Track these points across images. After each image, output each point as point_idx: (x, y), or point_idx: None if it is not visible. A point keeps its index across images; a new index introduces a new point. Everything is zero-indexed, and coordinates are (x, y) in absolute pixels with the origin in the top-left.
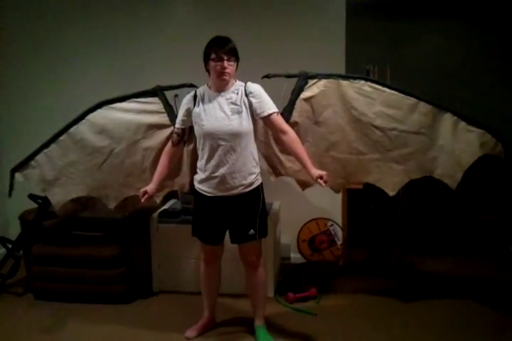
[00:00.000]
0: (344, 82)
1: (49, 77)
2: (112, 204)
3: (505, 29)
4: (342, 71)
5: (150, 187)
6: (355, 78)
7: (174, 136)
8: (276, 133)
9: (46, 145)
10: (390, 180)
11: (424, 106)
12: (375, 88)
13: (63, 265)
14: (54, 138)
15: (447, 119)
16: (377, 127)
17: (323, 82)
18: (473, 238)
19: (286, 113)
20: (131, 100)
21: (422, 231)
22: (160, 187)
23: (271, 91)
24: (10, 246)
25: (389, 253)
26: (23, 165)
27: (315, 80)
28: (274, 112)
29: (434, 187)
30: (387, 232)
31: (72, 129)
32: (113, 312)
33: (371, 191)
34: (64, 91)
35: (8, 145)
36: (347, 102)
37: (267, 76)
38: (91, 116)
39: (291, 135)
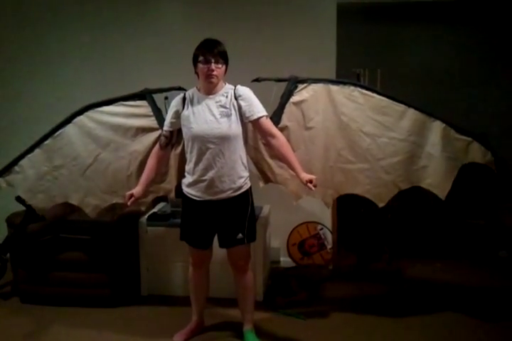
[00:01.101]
0: (334, 87)
1: (39, 78)
2: (92, 213)
3: (494, 34)
4: (333, 74)
5: (136, 190)
6: (345, 83)
7: (162, 138)
8: (265, 137)
9: (30, 150)
10: (379, 191)
11: (413, 113)
12: (365, 94)
13: (50, 268)
14: (39, 143)
15: (436, 127)
16: (366, 134)
17: (312, 86)
18: (462, 242)
19: (276, 117)
20: (119, 103)
21: (412, 236)
22: (146, 192)
23: (260, 94)
24: None
25: (378, 258)
26: (6, 170)
27: (305, 85)
28: (263, 116)
29: (424, 191)
30: (377, 236)
31: (57, 133)
32: (101, 315)
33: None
34: (54, 92)
35: None
36: (336, 107)
37: (256, 80)
38: (77, 120)
39: (280, 139)
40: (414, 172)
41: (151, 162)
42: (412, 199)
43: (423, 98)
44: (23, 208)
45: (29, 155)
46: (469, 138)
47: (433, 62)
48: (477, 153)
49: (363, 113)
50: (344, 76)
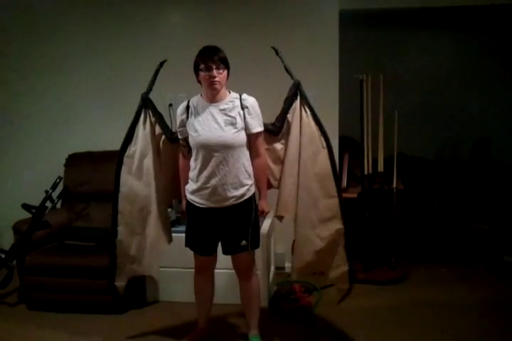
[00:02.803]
0: (312, 125)
1: (42, 81)
2: None
3: (495, 39)
4: (336, 80)
5: (184, 205)
6: (321, 129)
7: (182, 148)
8: (251, 152)
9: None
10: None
11: (333, 203)
12: (324, 151)
13: (57, 275)
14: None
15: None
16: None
17: (303, 106)
18: (467, 247)
19: (278, 122)
20: (137, 128)
21: (417, 241)
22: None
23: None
24: (3, 256)
25: (383, 263)
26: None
27: (300, 97)
28: (258, 132)
29: (429, 196)
30: (382, 241)
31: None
32: (106, 322)
33: (365, 200)
34: (58, 95)
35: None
36: (301, 137)
37: (276, 50)
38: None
39: (261, 160)
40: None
41: (182, 174)
42: (416, 204)
43: (425, 103)
44: (30, 215)
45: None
46: (346, 267)
47: (435, 67)
48: (340, 276)
49: (307, 164)
50: (347, 82)
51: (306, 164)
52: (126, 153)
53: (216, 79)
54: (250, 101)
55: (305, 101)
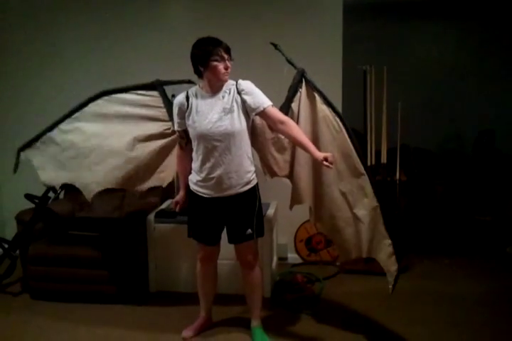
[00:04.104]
0: (323, 107)
1: (44, 72)
2: (89, 195)
3: (501, 31)
4: (339, 72)
5: (180, 196)
6: (334, 110)
7: (180, 140)
8: (275, 125)
9: (50, 128)
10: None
11: (364, 181)
12: (342, 131)
13: (60, 265)
14: (57, 123)
15: (375, 208)
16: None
17: (310, 91)
18: (470, 239)
19: (284, 109)
20: (131, 92)
21: (419, 232)
22: (141, 180)
23: (266, 86)
24: (6, 246)
25: None
26: (28, 145)
27: (306, 85)
28: (268, 106)
29: (432, 188)
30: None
31: (74, 116)
32: (109, 312)
33: None
34: (59, 86)
35: (4, 143)
36: (315, 126)
37: (274, 45)
38: (92, 104)
39: (289, 123)
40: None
41: (180, 164)
42: (419, 195)
43: (429, 94)
44: (33, 205)
45: (49, 133)
46: (389, 241)
47: (439, 59)
48: (388, 257)
49: (329, 148)
50: (351, 73)
51: (327, 149)
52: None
53: (228, 70)
54: (245, 83)
55: (312, 86)
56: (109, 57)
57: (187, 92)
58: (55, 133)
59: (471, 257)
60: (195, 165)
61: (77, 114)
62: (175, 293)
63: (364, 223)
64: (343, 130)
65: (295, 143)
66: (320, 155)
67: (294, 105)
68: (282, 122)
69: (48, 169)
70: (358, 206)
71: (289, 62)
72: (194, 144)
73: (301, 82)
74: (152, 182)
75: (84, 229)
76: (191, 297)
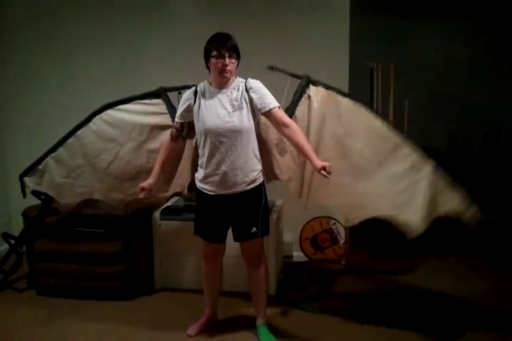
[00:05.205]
0: (342, 99)
1: (51, 73)
2: (119, 206)
3: (509, 29)
4: (346, 69)
5: (148, 182)
6: (353, 99)
7: (173, 130)
8: (279, 127)
9: (53, 149)
10: (351, 210)
11: (407, 149)
12: (369, 114)
13: (66, 261)
14: (61, 142)
15: (428, 167)
16: (357, 151)
17: (323, 91)
18: (476, 238)
19: (289, 112)
20: (135, 102)
21: (425, 231)
22: (160, 186)
23: (273, 87)
24: (13, 242)
25: (391, 253)
26: (30, 170)
27: (316, 87)
28: (275, 107)
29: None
30: (390, 231)
31: (78, 132)
32: (115, 308)
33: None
34: (66, 87)
35: (11, 142)
36: (339, 119)
37: (271, 68)
38: (97, 119)
39: (293, 127)
40: (392, 205)
41: (162, 154)
42: None
43: (436, 92)
44: (39, 202)
45: (52, 155)
46: (456, 187)
47: (446, 56)
48: (459, 203)
49: (362, 132)
50: (358, 70)
51: (358, 138)
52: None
53: (228, 67)
54: (253, 82)
55: (324, 85)
56: (116, 58)
57: (196, 87)
58: (61, 153)
59: (477, 256)
60: (200, 161)
61: (81, 130)
62: (180, 290)
63: (427, 189)
64: (362, 108)
65: (296, 148)
66: (319, 163)
67: (299, 108)
68: (287, 125)
69: (63, 190)
70: (412, 178)
71: (293, 75)
72: (200, 140)
73: (307, 87)
74: (173, 189)
75: (90, 226)
76: (196, 294)
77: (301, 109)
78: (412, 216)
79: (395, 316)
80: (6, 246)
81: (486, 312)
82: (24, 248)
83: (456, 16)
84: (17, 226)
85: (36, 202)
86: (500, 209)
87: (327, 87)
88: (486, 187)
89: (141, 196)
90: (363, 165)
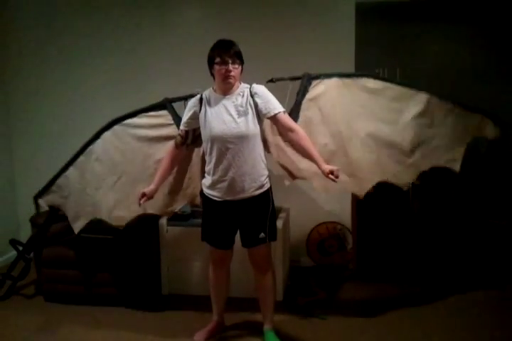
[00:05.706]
0: (346, 80)
1: (53, 80)
2: (119, 225)
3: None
4: None
5: (149, 189)
6: (357, 76)
7: (178, 137)
8: (285, 132)
9: (65, 168)
10: (403, 176)
11: (423, 97)
12: (377, 84)
13: (73, 267)
14: (72, 161)
15: (443, 106)
16: (383, 121)
17: (326, 81)
18: (485, 243)
19: (293, 114)
20: (141, 115)
21: (433, 236)
22: (170, 201)
23: (277, 92)
24: (21, 248)
25: (399, 258)
26: (45, 191)
27: (318, 80)
28: (280, 112)
29: (446, 191)
30: (398, 236)
31: (88, 150)
32: (122, 314)
33: (381, 195)
34: (68, 93)
35: (18, 150)
36: (352, 99)
37: (271, 80)
38: (105, 135)
39: (299, 132)
40: (430, 152)
41: (165, 161)
42: (433, 198)
43: (442, 96)
44: (47, 209)
45: (65, 174)
46: (479, 115)
47: (453, 60)
48: (484, 126)
49: (378, 102)
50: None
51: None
52: None
53: (232, 73)
54: (258, 87)
55: (322, 76)
56: (118, 65)
57: (201, 94)
58: (72, 172)
59: (485, 262)
60: (208, 167)
61: (90, 147)
62: (187, 296)
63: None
64: (382, 82)
65: (302, 153)
66: (327, 167)
67: (303, 108)
68: (292, 130)
69: (77, 211)
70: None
71: (293, 78)
72: (207, 147)
73: (310, 84)
74: (181, 201)
75: (98, 232)
76: (203, 300)
77: (305, 108)
78: (447, 155)
79: (404, 322)
80: (14, 253)
81: (493, 318)
82: (32, 254)
83: (463, 21)
84: (25, 233)
85: (44, 208)
86: (509, 214)
87: (329, 76)
88: (494, 192)
89: (141, 202)
90: (391, 133)
